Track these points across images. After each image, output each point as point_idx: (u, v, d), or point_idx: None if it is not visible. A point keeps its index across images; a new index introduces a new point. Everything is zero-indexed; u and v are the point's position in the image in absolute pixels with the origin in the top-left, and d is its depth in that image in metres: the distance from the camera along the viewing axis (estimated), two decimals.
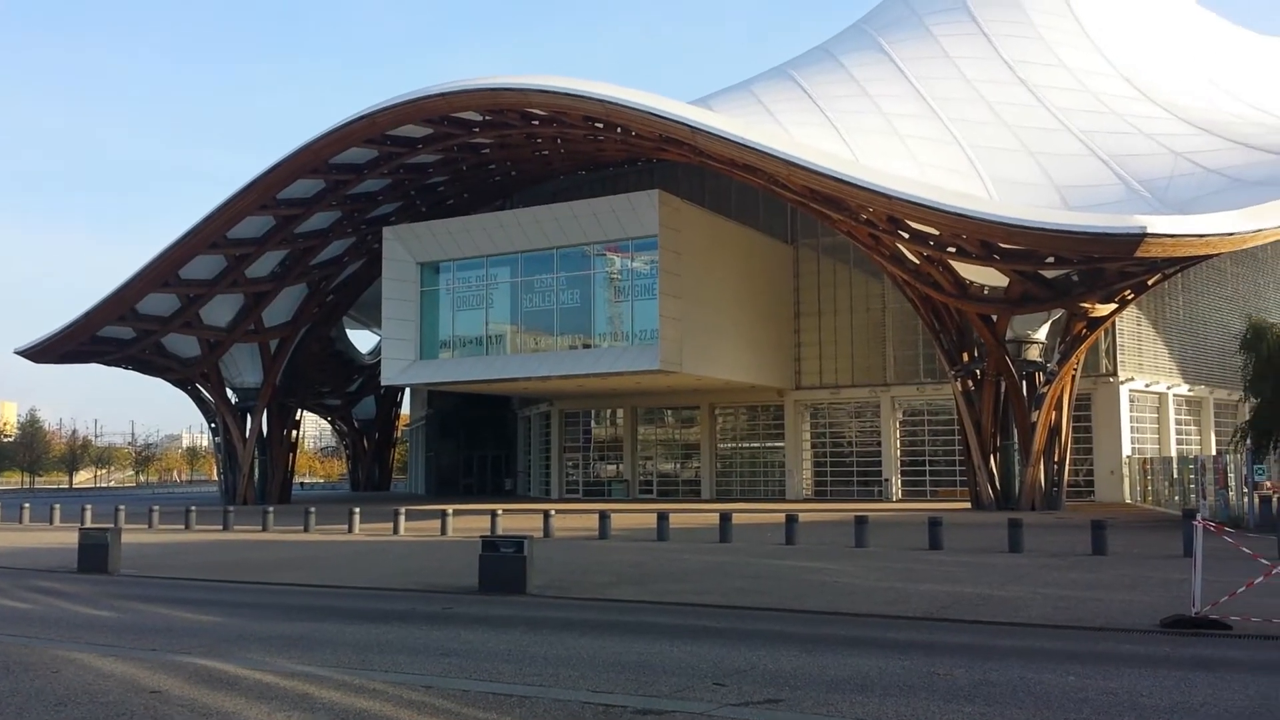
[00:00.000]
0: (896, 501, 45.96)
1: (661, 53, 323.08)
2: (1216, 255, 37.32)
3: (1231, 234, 29.42)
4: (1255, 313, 43.17)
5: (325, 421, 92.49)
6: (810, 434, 50.74)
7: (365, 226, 49.50)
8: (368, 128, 40.69)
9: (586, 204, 42.23)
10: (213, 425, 56.68)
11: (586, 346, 42.29)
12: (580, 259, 42.25)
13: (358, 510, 31.99)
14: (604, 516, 27.39)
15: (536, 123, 40.96)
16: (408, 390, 73.57)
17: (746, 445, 53.05)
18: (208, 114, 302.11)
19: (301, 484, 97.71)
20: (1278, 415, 28.27)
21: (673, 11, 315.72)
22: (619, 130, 39.02)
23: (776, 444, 51.18)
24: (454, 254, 44.43)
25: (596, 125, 39.27)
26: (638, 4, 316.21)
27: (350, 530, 30.55)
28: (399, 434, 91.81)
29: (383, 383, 47.97)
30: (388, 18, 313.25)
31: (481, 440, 68.17)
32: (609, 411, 56.02)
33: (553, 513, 29.25)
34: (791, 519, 25.13)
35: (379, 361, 52.40)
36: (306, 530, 31.21)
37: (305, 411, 68.22)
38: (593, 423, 56.63)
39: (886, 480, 47.61)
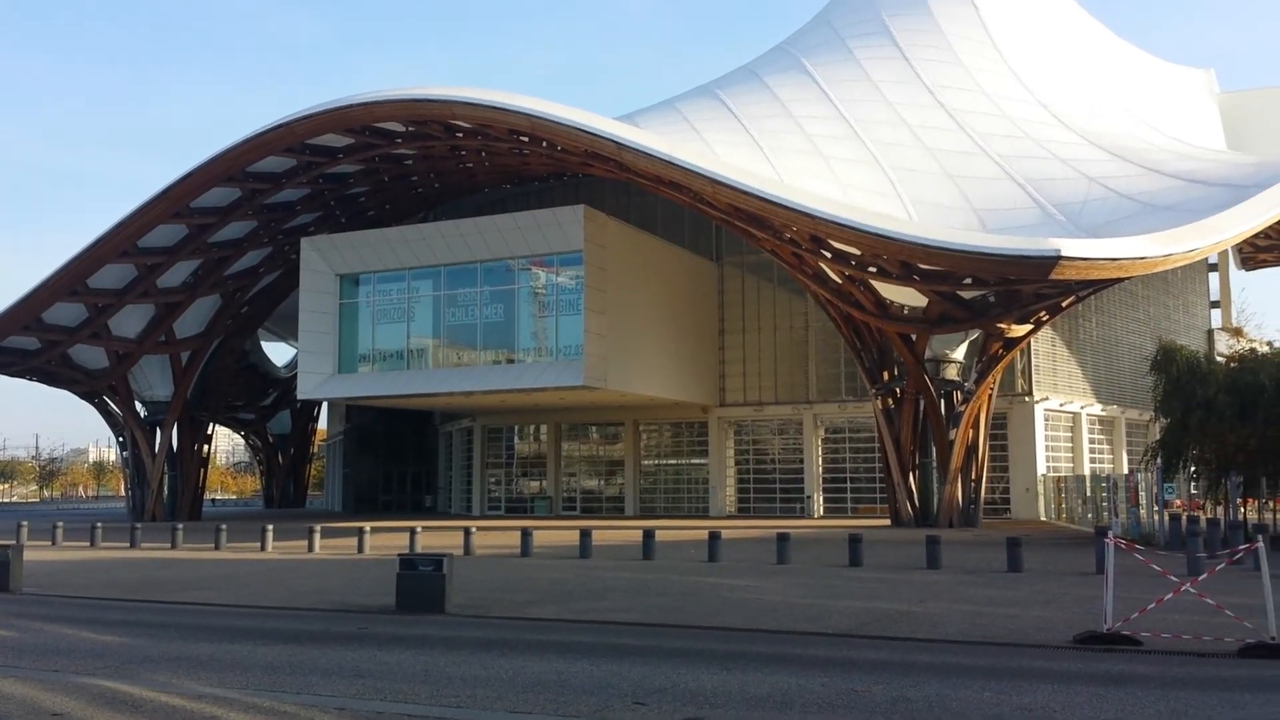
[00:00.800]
0: (818, 518, 46.32)
1: (599, 68, 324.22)
2: (1128, 278, 38.36)
3: (1143, 258, 30.25)
4: (1165, 335, 44.54)
5: (238, 436, 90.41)
6: (734, 451, 50.96)
7: (282, 237, 48.59)
8: (286, 136, 39.98)
9: (511, 218, 41.98)
10: (120, 439, 55.01)
11: (510, 361, 41.95)
12: (504, 273, 41.94)
13: (271, 527, 31.22)
14: (526, 534, 27.12)
15: (460, 135, 40.65)
16: (325, 405, 72.36)
17: (671, 462, 53.09)
18: (113, 118, 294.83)
19: (213, 500, 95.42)
20: (1187, 435, 29.06)
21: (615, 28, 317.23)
22: (544, 144, 38.90)
23: (700, 460, 51.31)
24: (375, 266, 43.80)
25: (522, 139, 39.10)
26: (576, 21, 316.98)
27: (263, 548, 29.81)
28: (315, 449, 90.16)
29: (299, 396, 46.98)
30: (308, 25, 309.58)
31: (401, 456, 67.18)
32: (532, 427, 55.65)
33: (474, 530, 28.86)
34: (714, 536, 25.13)
35: (295, 375, 51.37)
36: (217, 548, 30.40)
37: (218, 426, 66.59)
38: (516, 438, 56.21)
39: (808, 497, 47.99)
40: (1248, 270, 66.66)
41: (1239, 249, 60.74)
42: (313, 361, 44.22)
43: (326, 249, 44.37)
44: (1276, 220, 35.30)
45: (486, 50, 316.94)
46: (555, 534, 33.30)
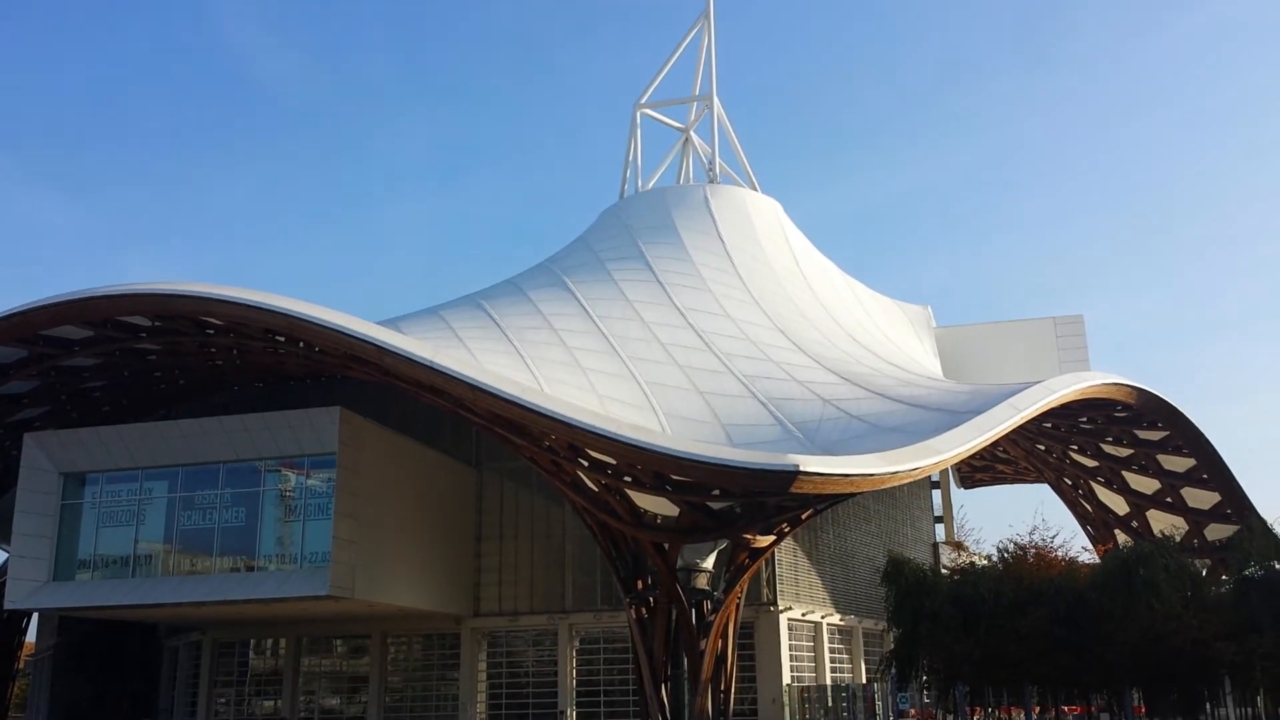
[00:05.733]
0: None
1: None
2: (860, 493, 40.85)
3: (871, 474, 32.45)
4: (896, 547, 47.43)
5: None
6: (487, 664, 49.32)
7: (3, 432, 44.84)
8: (20, 326, 37.48)
9: (261, 418, 40.58)
10: None
11: (250, 569, 39.64)
12: (250, 475, 40.16)
13: None
14: None
15: (212, 332, 39.44)
16: (35, 616, 65.40)
17: (420, 677, 50.70)
18: None
19: None
20: (918, 645, 30.65)
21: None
22: (302, 345, 38.26)
23: (451, 675, 49.29)
24: (105, 465, 41.01)
25: (278, 338, 38.34)
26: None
27: None
28: (21, 666, 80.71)
29: (6, 606, 42.23)
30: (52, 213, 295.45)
31: (120, 673, 60.98)
32: (270, 641, 52.08)
33: None
34: None
35: (3, 583, 46.48)
36: None
37: None
38: (251, 653, 52.32)
39: (562, 712, 46.75)
40: (966, 488, 72.49)
41: (958, 468, 66.17)
42: (25, 568, 40.34)
43: (52, 445, 41.30)
44: (988, 443, 38.80)
45: (246, 246, 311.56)
46: None
